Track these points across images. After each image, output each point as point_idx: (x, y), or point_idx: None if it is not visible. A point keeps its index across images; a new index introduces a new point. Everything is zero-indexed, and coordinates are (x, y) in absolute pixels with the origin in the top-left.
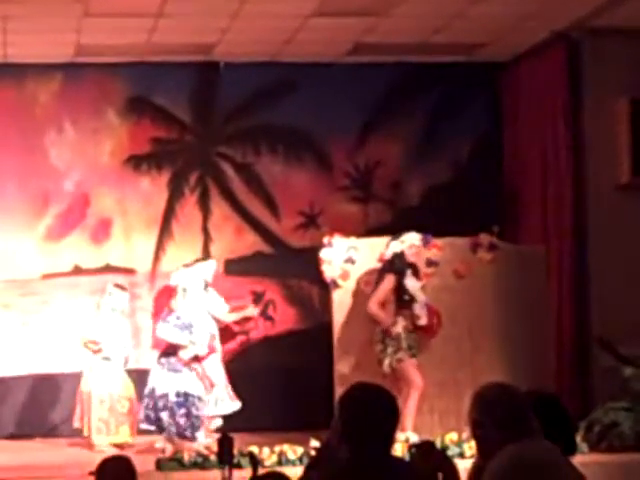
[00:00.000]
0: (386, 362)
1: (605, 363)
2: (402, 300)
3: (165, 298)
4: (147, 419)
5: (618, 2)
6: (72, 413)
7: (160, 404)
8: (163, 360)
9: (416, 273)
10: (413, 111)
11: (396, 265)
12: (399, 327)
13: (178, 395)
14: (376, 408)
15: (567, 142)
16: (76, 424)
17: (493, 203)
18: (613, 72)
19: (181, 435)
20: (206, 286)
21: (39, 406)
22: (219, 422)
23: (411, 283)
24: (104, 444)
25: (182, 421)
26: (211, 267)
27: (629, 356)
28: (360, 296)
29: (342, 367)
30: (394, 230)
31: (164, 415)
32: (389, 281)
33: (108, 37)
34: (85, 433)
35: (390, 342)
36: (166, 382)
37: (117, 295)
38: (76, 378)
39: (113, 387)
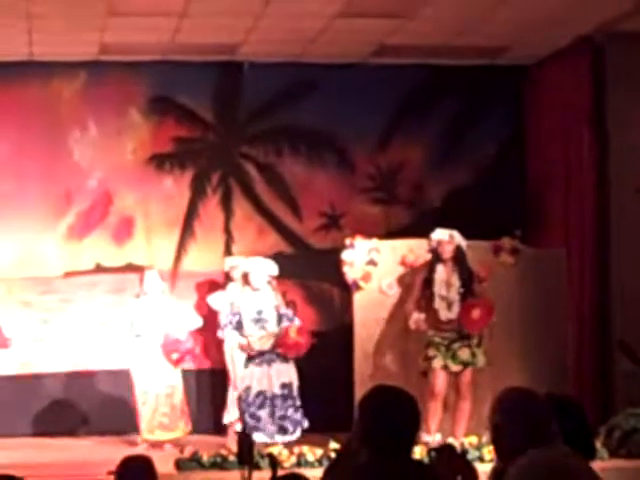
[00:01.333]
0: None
1: (626, 368)
2: (425, 297)
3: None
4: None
5: None
6: (97, 410)
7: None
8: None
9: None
10: (436, 114)
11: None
12: (423, 325)
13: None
14: (396, 411)
15: (591, 146)
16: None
17: (516, 207)
18: (637, 76)
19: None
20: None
21: (64, 404)
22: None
23: (441, 278)
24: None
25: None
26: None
27: None
28: (382, 298)
29: (362, 369)
30: (416, 232)
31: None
32: (416, 280)
33: (132, 36)
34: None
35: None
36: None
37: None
38: (101, 375)
39: (165, 381)
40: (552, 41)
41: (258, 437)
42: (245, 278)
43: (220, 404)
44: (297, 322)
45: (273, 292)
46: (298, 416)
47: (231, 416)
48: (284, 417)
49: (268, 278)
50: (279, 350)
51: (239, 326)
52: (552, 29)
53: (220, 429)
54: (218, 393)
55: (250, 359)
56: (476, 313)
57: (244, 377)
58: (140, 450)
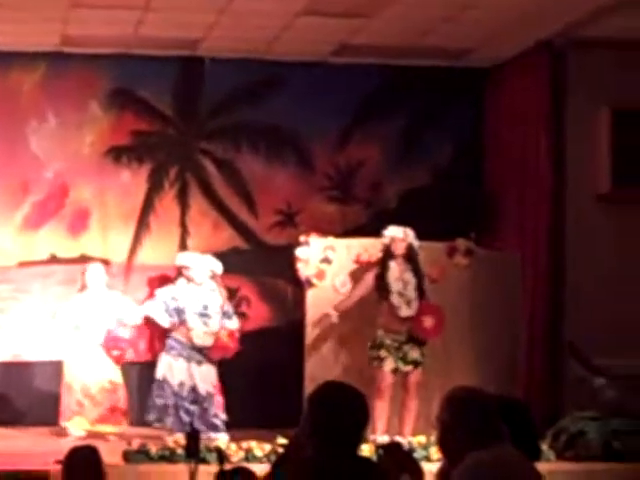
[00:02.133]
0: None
1: (576, 372)
2: (381, 293)
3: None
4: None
5: (603, 14)
6: (46, 401)
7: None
8: None
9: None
10: (396, 114)
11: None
12: (380, 329)
13: None
14: (344, 407)
15: (548, 150)
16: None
17: (472, 209)
18: (596, 82)
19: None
20: None
21: (11, 393)
22: None
23: (395, 275)
24: (79, 431)
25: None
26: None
27: (600, 366)
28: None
29: (312, 366)
30: (371, 232)
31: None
32: (366, 277)
33: (94, 28)
34: (67, 422)
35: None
36: None
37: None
38: (51, 366)
39: (100, 374)
40: (513, 45)
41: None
42: (189, 274)
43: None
44: (235, 323)
45: (218, 288)
46: (223, 416)
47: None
48: (216, 415)
49: (210, 274)
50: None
51: (181, 319)
52: (514, 33)
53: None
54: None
55: (179, 353)
56: (429, 322)
57: (176, 371)
58: (78, 441)
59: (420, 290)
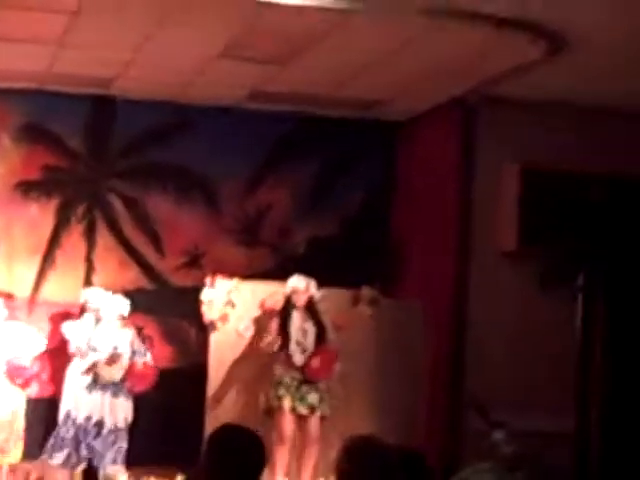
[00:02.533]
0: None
1: (476, 426)
2: (282, 341)
3: None
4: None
5: (516, 74)
6: None
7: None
8: None
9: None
10: (307, 162)
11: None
12: (278, 369)
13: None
14: (241, 449)
15: (455, 203)
16: None
17: (378, 259)
18: (505, 141)
19: None
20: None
21: None
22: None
23: (296, 325)
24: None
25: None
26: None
27: (500, 421)
28: (238, 340)
29: (214, 408)
30: (278, 277)
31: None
32: (274, 322)
33: (8, 62)
34: None
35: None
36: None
37: None
38: None
39: (8, 406)
40: (427, 99)
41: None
42: (97, 313)
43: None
44: (149, 358)
45: (126, 328)
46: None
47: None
48: (120, 449)
49: (119, 315)
50: (126, 383)
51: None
52: (427, 88)
53: None
54: (51, 421)
55: (94, 387)
56: (315, 362)
57: (82, 403)
58: None
59: (320, 339)
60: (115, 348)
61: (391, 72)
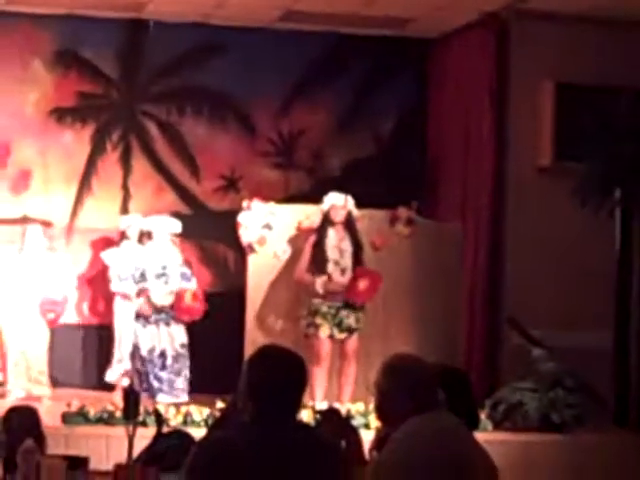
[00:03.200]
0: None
1: (514, 342)
2: (317, 261)
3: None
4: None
5: None
6: None
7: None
8: None
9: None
10: (340, 82)
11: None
12: (316, 290)
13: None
14: (282, 371)
15: (490, 122)
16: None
17: (414, 178)
18: (539, 55)
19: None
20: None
21: None
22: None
23: (332, 243)
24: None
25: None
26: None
27: (538, 337)
28: (276, 262)
29: (253, 332)
30: (314, 199)
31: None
32: (308, 242)
33: None
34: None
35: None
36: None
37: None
38: None
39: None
40: (459, 16)
41: (163, 398)
42: (148, 235)
43: (105, 361)
44: (194, 284)
45: (176, 249)
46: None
47: (114, 373)
48: (186, 376)
49: (170, 236)
50: (173, 312)
51: (142, 279)
52: (459, 4)
53: (104, 385)
54: (103, 349)
55: (147, 319)
56: (363, 285)
57: (142, 337)
58: (16, 402)
59: (356, 258)
60: (164, 268)
61: None
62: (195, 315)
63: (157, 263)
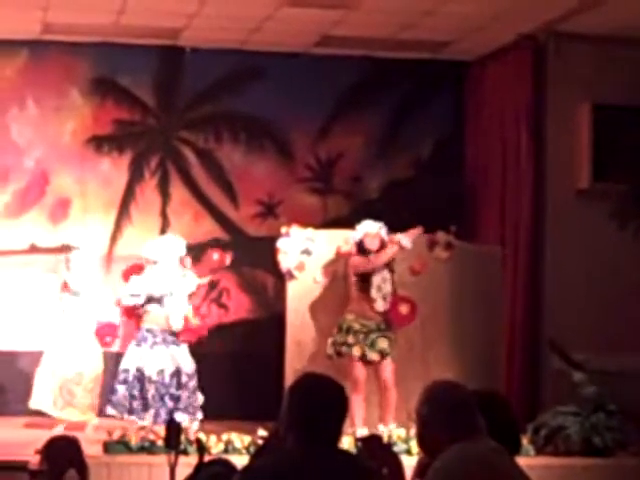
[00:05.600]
0: (329, 347)
1: (555, 366)
2: (361, 284)
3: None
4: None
5: (585, 8)
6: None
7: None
8: None
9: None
10: (377, 106)
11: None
12: (350, 314)
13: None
14: (324, 399)
15: (528, 144)
16: (35, 404)
17: (452, 201)
18: (577, 77)
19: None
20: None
21: None
22: None
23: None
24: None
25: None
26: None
27: (580, 361)
28: (315, 287)
29: (294, 358)
30: (352, 223)
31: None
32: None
33: (75, 16)
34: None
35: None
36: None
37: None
38: (29, 356)
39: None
40: (495, 38)
41: (180, 417)
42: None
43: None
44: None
45: (185, 270)
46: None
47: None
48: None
49: (177, 257)
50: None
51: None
52: (495, 26)
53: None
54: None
55: (154, 341)
56: (405, 309)
57: (150, 359)
58: (59, 430)
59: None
60: (168, 291)
61: (456, 11)
62: (190, 336)
63: (160, 287)
